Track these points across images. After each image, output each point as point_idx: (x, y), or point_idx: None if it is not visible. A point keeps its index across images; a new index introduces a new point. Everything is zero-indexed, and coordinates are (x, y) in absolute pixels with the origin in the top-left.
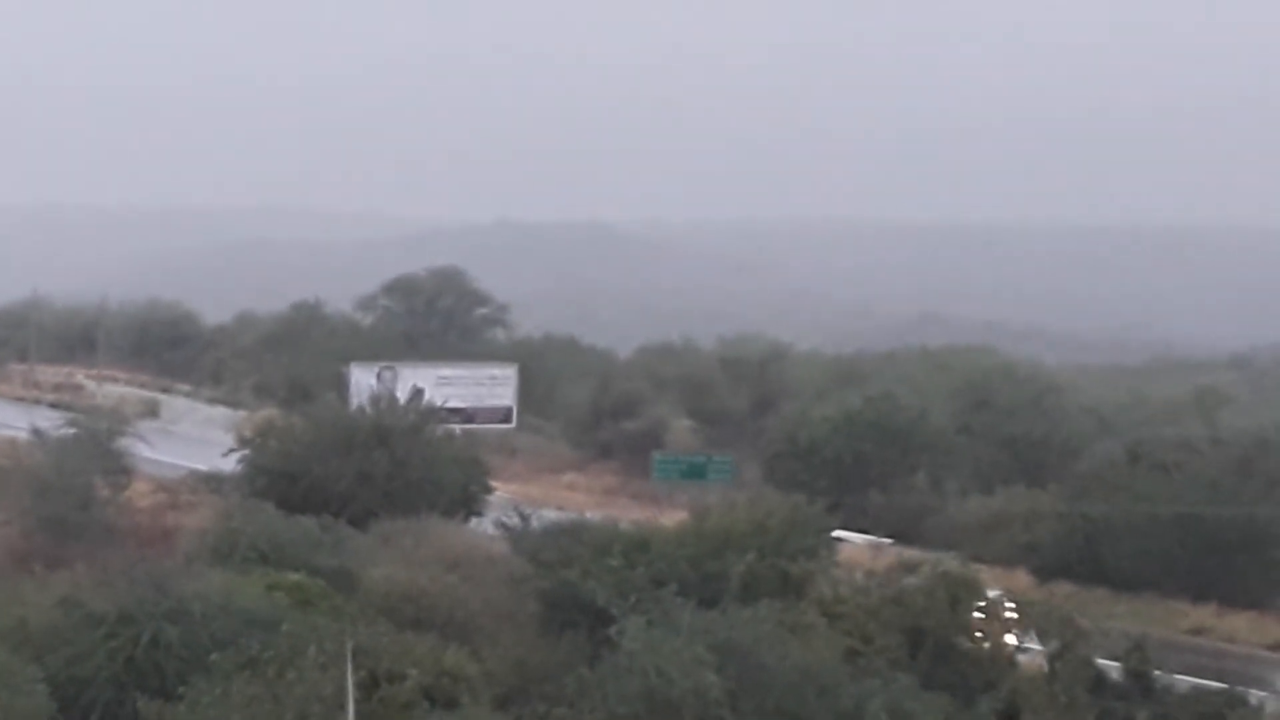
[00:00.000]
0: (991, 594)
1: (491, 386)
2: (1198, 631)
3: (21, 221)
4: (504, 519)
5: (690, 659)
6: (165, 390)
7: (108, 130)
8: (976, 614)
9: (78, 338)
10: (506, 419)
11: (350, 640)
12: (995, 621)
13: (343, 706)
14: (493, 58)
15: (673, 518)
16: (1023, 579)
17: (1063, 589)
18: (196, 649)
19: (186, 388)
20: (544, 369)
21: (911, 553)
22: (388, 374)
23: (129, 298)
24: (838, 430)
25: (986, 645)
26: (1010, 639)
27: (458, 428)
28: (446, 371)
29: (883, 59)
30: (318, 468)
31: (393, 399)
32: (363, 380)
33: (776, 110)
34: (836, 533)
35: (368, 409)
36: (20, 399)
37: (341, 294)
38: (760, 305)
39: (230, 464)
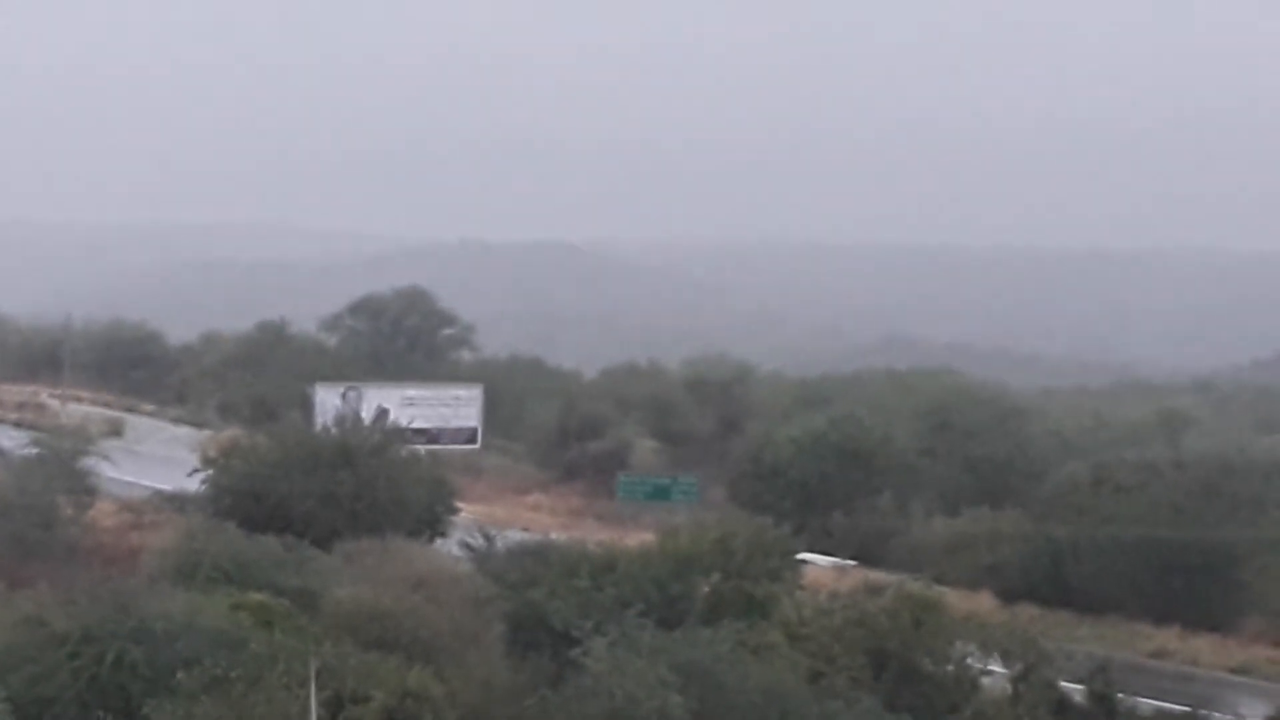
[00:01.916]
0: None
1: (456, 407)
2: (1161, 654)
3: None
4: (468, 540)
5: (655, 681)
6: (130, 410)
7: (75, 147)
8: None
9: (42, 357)
10: (471, 440)
11: (315, 661)
12: None
13: None
14: (459, 76)
15: (638, 539)
16: (987, 601)
17: (1027, 611)
18: (160, 669)
19: (151, 407)
20: (509, 390)
21: (876, 574)
22: (353, 394)
23: (94, 316)
24: (802, 452)
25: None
26: None
27: (423, 448)
28: (411, 392)
29: (849, 81)
30: (282, 488)
31: (358, 419)
32: (328, 400)
33: (743, 132)
34: (801, 554)
35: (333, 429)
36: None
37: (307, 313)
38: (726, 327)
39: (195, 484)
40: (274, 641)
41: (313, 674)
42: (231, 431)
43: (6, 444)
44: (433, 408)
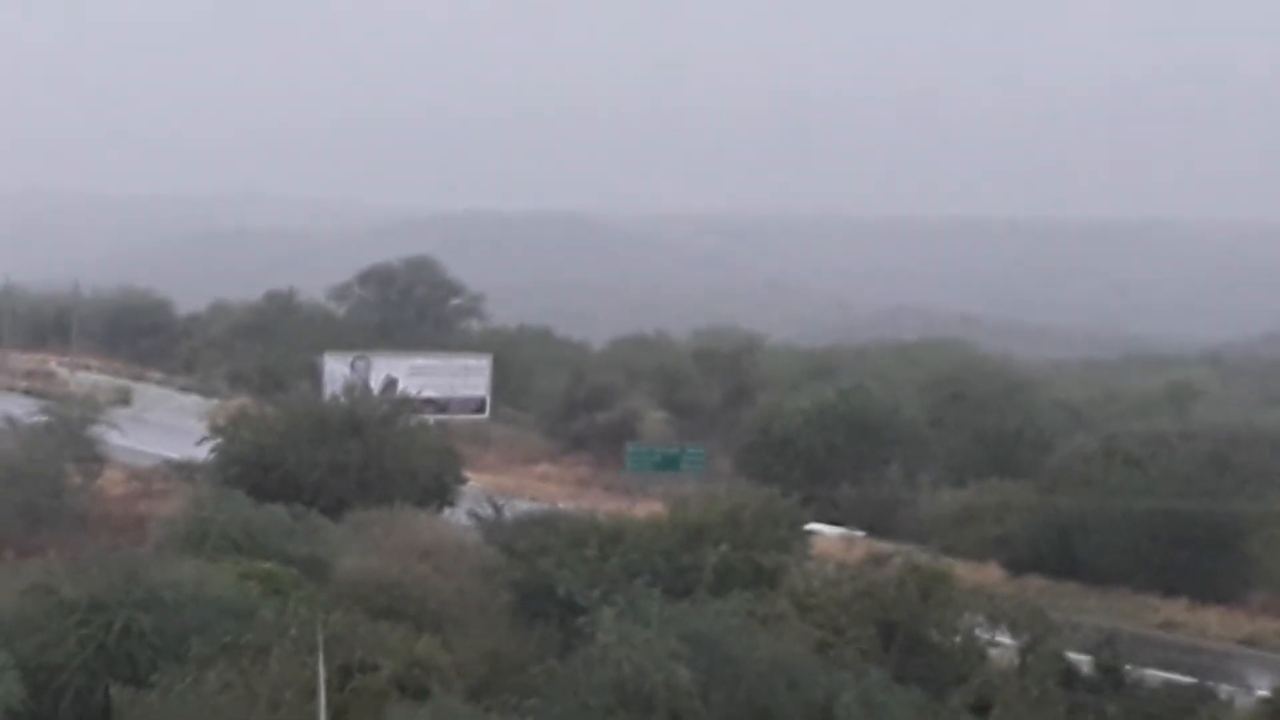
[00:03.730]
0: None
1: (465, 377)
2: (1169, 626)
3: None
4: (477, 509)
5: (663, 652)
6: (138, 378)
7: (89, 117)
8: None
9: (51, 325)
10: (480, 409)
11: (323, 630)
12: None
13: (315, 695)
14: (467, 46)
15: (646, 509)
16: (994, 572)
17: (1034, 582)
18: (168, 637)
19: (160, 376)
20: (518, 360)
21: (883, 545)
22: (361, 364)
23: (103, 285)
24: (811, 423)
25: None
26: None
27: (431, 418)
28: (420, 361)
29: (858, 53)
30: (291, 457)
31: (366, 389)
32: (336, 370)
33: (754, 105)
34: (809, 525)
35: (341, 398)
36: None
37: (316, 283)
38: (735, 298)
39: (203, 453)
40: (283, 610)
41: (320, 643)
42: (240, 400)
43: (15, 412)
44: (441, 377)
